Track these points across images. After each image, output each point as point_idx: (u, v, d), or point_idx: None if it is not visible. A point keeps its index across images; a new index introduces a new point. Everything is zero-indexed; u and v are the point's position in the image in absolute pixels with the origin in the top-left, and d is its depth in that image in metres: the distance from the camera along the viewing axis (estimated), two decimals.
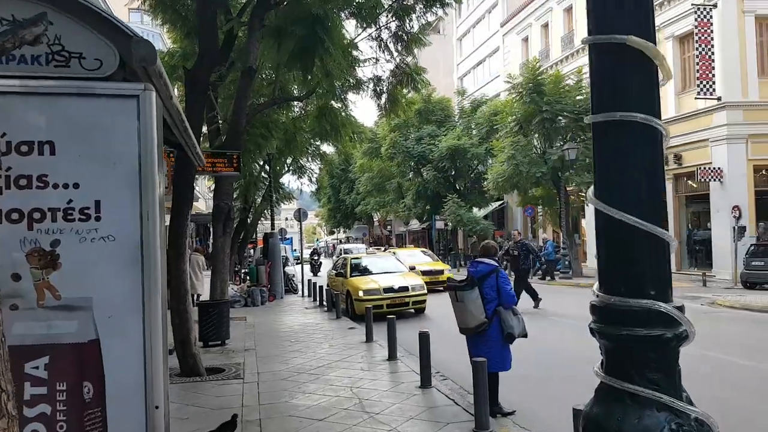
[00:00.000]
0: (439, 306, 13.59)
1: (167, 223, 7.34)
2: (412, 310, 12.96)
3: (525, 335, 5.35)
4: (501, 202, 33.67)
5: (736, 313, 12.28)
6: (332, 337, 10.04)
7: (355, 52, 13.11)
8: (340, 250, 31.72)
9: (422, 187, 32.64)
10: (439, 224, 33.16)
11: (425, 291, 13.00)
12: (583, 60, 25.38)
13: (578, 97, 21.71)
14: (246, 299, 16.98)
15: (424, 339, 6.42)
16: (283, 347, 9.37)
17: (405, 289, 12.72)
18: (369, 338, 9.36)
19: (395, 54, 12.90)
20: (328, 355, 8.44)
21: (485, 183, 32.25)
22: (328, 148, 31.09)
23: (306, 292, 19.06)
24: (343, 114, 13.97)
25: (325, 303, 14.94)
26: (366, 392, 6.32)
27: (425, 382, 6.32)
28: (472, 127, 31.79)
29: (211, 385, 6.89)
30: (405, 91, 13.64)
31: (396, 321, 8.18)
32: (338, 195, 52.78)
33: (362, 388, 6.49)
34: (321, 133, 14.17)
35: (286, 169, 23.98)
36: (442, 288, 14.68)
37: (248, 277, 20.18)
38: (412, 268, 15.04)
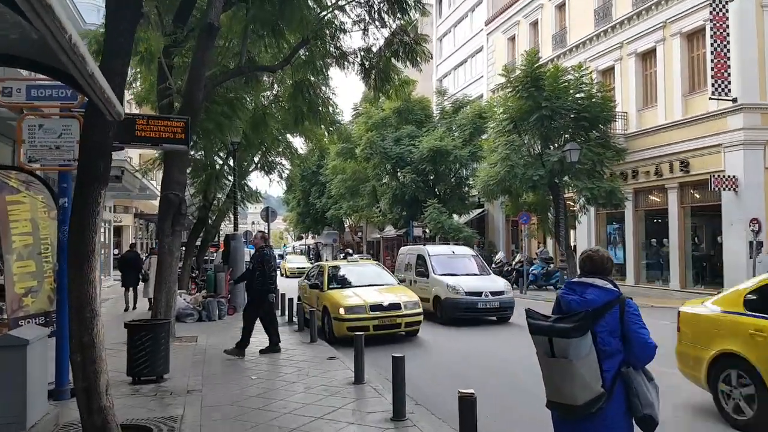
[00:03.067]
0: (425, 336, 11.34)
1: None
2: (404, 333, 10.60)
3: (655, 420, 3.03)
4: (482, 209, 31.71)
5: None
6: (308, 373, 7.59)
7: (341, 17, 10.80)
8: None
9: (399, 191, 30.36)
10: (417, 231, 30.91)
11: (420, 310, 10.67)
12: (577, 59, 23.66)
13: (578, 95, 19.87)
14: (200, 312, 14.33)
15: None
16: (242, 388, 6.89)
17: (396, 306, 10.36)
18: (359, 377, 6.94)
19: (389, 19, 10.61)
20: (304, 408, 5.97)
21: (473, 187, 30.32)
22: (300, 143, 28.64)
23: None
24: (323, 90, 11.60)
25: (295, 319, 12.49)
26: None
27: None
28: (453, 128, 29.76)
29: None
30: (400, 65, 11.34)
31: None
32: (308, 198, 50.16)
33: None
34: (296, 115, 11.71)
35: (254, 165, 21.38)
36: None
37: (204, 287, 17.48)
38: None
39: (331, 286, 11.41)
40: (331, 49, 11.19)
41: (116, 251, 29.25)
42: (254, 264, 9.56)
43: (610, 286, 3.12)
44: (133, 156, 24.44)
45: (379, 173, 32.65)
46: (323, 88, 11.87)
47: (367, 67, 11.38)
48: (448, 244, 18.34)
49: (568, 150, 18.25)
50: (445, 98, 32.43)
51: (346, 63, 11.41)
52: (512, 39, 31.46)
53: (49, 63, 3.59)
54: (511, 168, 19.15)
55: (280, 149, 20.33)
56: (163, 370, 7.32)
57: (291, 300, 13.50)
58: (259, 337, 10.52)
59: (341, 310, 10.16)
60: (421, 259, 14.62)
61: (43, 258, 6.44)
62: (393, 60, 10.93)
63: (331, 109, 12.08)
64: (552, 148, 19.96)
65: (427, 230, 29.75)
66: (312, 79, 11.35)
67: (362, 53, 11.29)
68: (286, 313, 13.82)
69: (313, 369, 7.81)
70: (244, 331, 9.14)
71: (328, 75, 11.38)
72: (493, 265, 23.02)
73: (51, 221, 6.38)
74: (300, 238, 71.37)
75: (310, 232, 58.73)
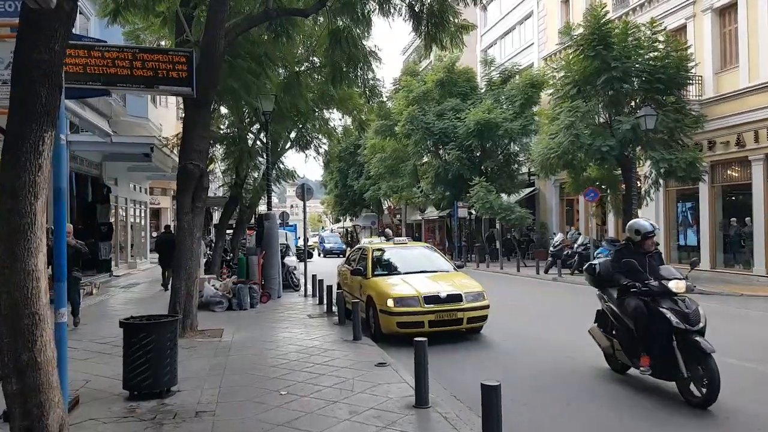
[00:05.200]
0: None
1: None
2: (464, 330, 8.78)
3: None
4: (533, 188, 29.46)
5: None
6: (352, 387, 5.86)
7: None
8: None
9: (442, 169, 28.34)
10: (462, 212, 28.90)
11: (486, 302, 8.79)
12: (642, 19, 21.05)
13: (651, 54, 17.44)
14: (230, 300, 12.83)
15: None
16: (266, 410, 5.23)
17: (456, 298, 8.51)
18: (421, 398, 5.15)
19: None
20: None
21: (524, 164, 28.09)
22: (337, 118, 26.79)
23: (309, 290, 14.98)
24: (362, 45, 9.76)
25: (335, 309, 10.84)
26: None
27: None
28: (502, 100, 27.50)
29: None
30: (460, 5, 9.39)
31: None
32: (346, 180, 48.59)
33: None
34: (334, 72, 9.91)
35: (290, 142, 19.73)
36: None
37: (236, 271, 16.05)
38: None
39: (376, 273, 9.66)
40: None
41: (154, 234, 28.52)
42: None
43: None
44: (164, 128, 23.11)
45: (420, 151, 30.72)
46: (364, 41, 10.02)
47: (417, 10, 9.46)
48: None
49: (642, 116, 15.92)
50: (492, 68, 30.04)
51: (390, 6, 9.51)
52: (566, 1, 28.91)
53: None
54: (576, 138, 16.91)
55: (316, 124, 18.66)
56: (169, 381, 5.73)
57: (330, 287, 11.85)
58: (297, 333, 8.90)
59: (390, 302, 8.40)
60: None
61: None
62: None
63: (374, 65, 10.22)
64: (621, 115, 17.64)
65: (473, 210, 27.75)
66: (351, 27, 9.49)
67: None
68: (325, 301, 12.22)
69: (359, 381, 6.09)
70: None
71: (370, 20, 9.47)
72: (552, 249, 20.91)
73: None
74: (338, 221, 70.16)
75: (348, 214, 57.33)
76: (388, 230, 24.33)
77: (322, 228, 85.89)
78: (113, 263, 20.82)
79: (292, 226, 37.30)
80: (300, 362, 7.05)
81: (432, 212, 38.50)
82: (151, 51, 5.40)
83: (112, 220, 20.82)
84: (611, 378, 6.55)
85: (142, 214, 27.87)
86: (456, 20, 9.43)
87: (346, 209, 54.22)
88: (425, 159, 32.73)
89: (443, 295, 8.44)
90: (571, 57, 18.47)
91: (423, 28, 9.34)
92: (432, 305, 8.31)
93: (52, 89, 3.18)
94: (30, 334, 3.20)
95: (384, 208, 49.90)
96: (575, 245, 20.42)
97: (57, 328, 3.84)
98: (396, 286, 8.86)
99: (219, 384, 6.08)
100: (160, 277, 16.84)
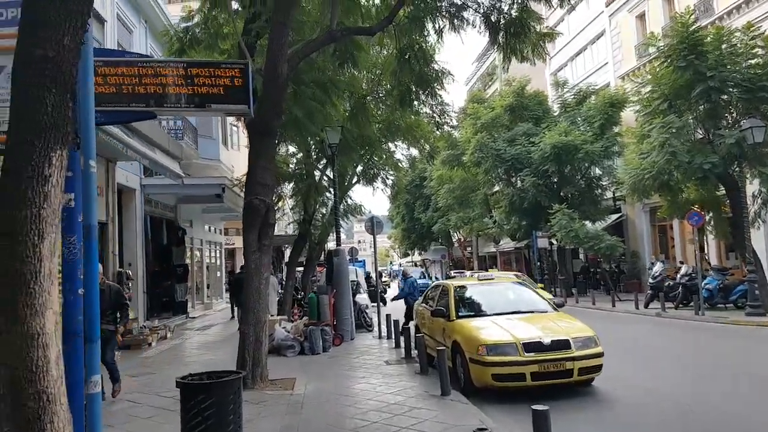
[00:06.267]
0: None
1: None
2: (574, 383, 7.43)
3: None
4: (620, 214, 27.40)
5: None
6: None
7: None
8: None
9: (517, 197, 26.88)
10: (542, 242, 27.18)
11: (599, 348, 7.40)
12: (740, 21, 19.19)
13: (751, 62, 15.67)
14: (302, 344, 12.00)
15: None
16: None
17: (563, 344, 7.21)
18: None
19: None
20: None
21: (608, 188, 26.25)
22: (402, 152, 26.28)
23: (384, 330, 13.99)
24: (435, 58, 8.92)
25: (414, 354, 9.76)
26: None
27: None
28: (579, 122, 25.94)
29: None
30: (544, 10, 8.42)
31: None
32: (413, 213, 47.76)
33: None
34: (402, 94, 9.10)
35: (356, 177, 19.18)
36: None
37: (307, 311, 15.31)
38: None
39: (460, 314, 8.54)
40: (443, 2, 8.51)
41: (228, 274, 28.57)
42: None
43: None
44: (236, 170, 23.16)
45: (491, 179, 29.46)
46: (435, 58, 9.18)
47: (493, 20, 8.54)
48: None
49: (748, 128, 14.12)
50: (566, 90, 28.62)
51: (463, 19, 8.64)
52: (641, 16, 27.36)
53: None
54: (673, 156, 15.24)
55: (383, 155, 18.02)
56: None
57: (407, 329, 10.79)
58: (375, 384, 7.87)
59: (481, 350, 7.24)
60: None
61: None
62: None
63: (446, 82, 9.31)
64: (721, 128, 15.86)
65: (555, 240, 26.01)
66: (421, 42, 8.69)
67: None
68: (401, 344, 11.17)
69: None
70: None
71: (441, 35, 8.62)
72: (651, 280, 18.87)
73: None
74: (406, 255, 69.16)
75: (416, 248, 56.25)
76: (462, 271, 22.75)
77: (390, 263, 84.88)
78: (189, 305, 20.73)
79: (361, 261, 36.61)
80: (383, 425, 6.01)
81: (507, 243, 36.79)
82: (201, 65, 4.70)
83: (187, 261, 20.82)
84: None
85: (218, 255, 28.07)
86: (537, 26, 8.42)
87: (414, 243, 53.22)
88: (496, 188, 31.40)
89: (547, 341, 7.18)
90: (658, 69, 16.97)
91: (501, 39, 8.39)
92: (534, 353, 7.07)
93: (61, 96, 2.44)
94: (36, 420, 2.39)
95: (454, 240, 48.49)
96: (678, 276, 18.37)
97: (89, 400, 3.05)
98: (486, 329, 7.70)
99: None
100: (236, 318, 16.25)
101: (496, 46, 8.75)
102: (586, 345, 7.32)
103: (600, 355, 7.35)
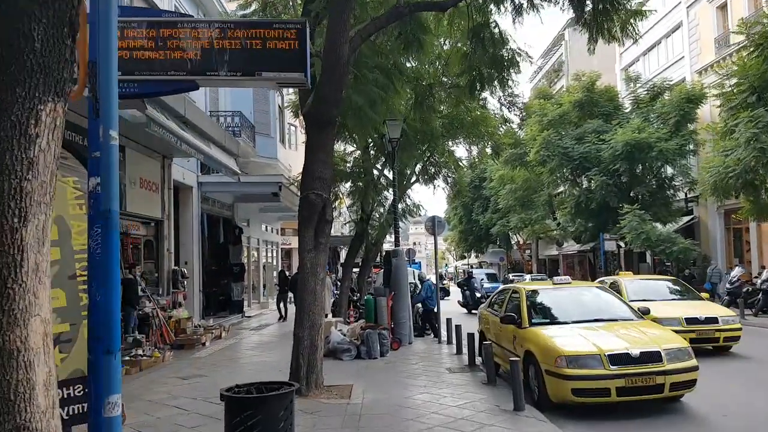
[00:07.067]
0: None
1: None
2: (663, 398, 6.53)
3: None
4: (691, 216, 25.55)
5: None
6: None
7: None
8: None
9: (584, 198, 25.50)
10: (609, 245, 25.67)
11: (694, 361, 6.48)
12: None
13: None
14: (359, 348, 11.47)
15: None
16: None
17: (653, 357, 6.32)
18: None
19: None
20: None
21: (681, 188, 24.55)
22: (463, 151, 25.43)
23: (444, 334, 13.28)
24: (508, 41, 8.16)
25: (479, 363, 9.02)
26: None
27: None
28: (652, 119, 24.32)
29: None
30: None
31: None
32: (470, 215, 46.64)
33: None
34: (472, 80, 8.38)
35: (415, 176, 18.56)
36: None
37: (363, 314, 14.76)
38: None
39: (534, 321, 7.74)
40: None
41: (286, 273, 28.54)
42: None
43: None
44: (293, 169, 23.01)
45: (556, 179, 28.13)
46: (508, 39, 8.40)
47: None
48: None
49: None
50: (638, 85, 26.96)
51: None
52: (722, 7, 25.41)
53: None
54: (762, 153, 13.82)
55: (444, 153, 17.32)
56: None
57: (470, 335, 10.06)
58: (438, 395, 7.18)
59: (559, 361, 6.43)
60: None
61: (80, 284, 3.82)
62: None
63: (522, 63, 8.53)
64: None
65: (623, 243, 24.47)
66: (497, 21, 7.95)
67: None
68: (464, 350, 10.43)
69: None
70: None
71: (520, 12, 7.82)
72: (728, 286, 17.42)
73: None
74: (462, 257, 67.88)
75: (473, 250, 54.96)
76: (509, 276, 21.66)
77: (446, 265, 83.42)
78: (245, 304, 20.69)
79: (417, 263, 35.87)
80: None
81: (571, 246, 35.18)
82: (250, 25, 4.09)
83: (244, 260, 20.79)
84: None
85: (274, 255, 28.11)
86: (629, 3, 7.53)
87: (471, 245, 52.03)
88: (561, 188, 29.98)
89: (635, 353, 6.30)
90: (746, 60, 15.52)
91: (587, 16, 7.55)
92: (620, 366, 6.21)
93: (56, 29, 1.87)
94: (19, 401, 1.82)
95: (512, 243, 47.03)
96: (759, 281, 16.88)
97: (106, 426, 2.53)
98: (564, 338, 6.88)
99: None
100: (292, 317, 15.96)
101: (582, 24, 7.89)
102: (679, 357, 6.42)
103: (695, 368, 6.44)
